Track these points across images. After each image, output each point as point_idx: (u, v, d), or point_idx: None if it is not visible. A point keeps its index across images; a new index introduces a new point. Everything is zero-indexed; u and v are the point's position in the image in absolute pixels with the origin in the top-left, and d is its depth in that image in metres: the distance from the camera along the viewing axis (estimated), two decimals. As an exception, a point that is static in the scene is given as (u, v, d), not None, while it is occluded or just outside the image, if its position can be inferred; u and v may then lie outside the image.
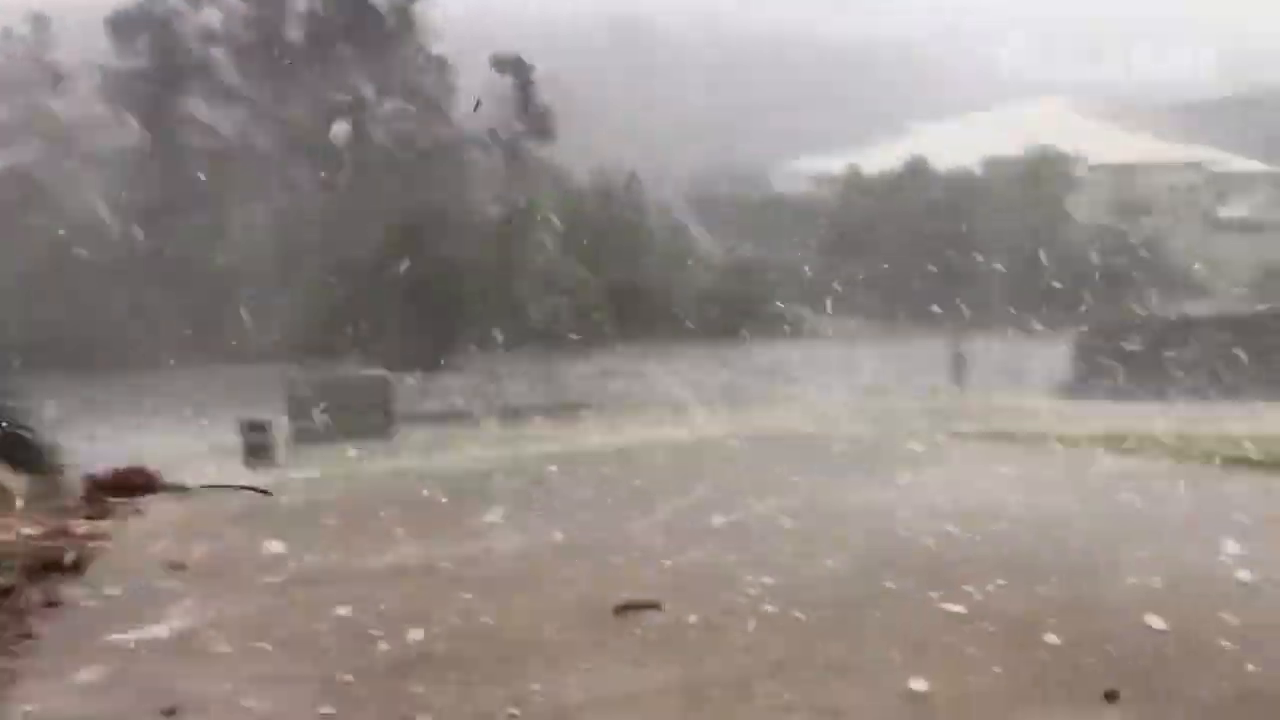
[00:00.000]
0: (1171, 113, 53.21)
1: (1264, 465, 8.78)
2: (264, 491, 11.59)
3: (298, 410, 22.23)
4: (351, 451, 18.98)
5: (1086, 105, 50.10)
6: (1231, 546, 5.84)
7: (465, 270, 32.92)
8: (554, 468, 9.58)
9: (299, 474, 10.77)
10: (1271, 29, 49.73)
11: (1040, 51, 50.00)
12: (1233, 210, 44.04)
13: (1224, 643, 4.64)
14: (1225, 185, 45.90)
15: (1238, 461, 9.01)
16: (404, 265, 31.48)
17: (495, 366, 29.75)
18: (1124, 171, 43.74)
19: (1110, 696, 4.19)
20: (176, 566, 6.01)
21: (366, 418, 22.54)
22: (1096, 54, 51.07)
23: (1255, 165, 46.51)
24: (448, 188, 35.96)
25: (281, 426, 21.93)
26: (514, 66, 39.04)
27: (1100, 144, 42.50)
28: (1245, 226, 41.55)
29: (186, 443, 24.28)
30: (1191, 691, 4.20)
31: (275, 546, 6.32)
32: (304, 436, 21.61)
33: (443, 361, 33.07)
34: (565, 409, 27.09)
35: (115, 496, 8.06)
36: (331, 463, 15.22)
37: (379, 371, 26.43)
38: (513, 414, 27.48)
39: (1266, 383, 21.30)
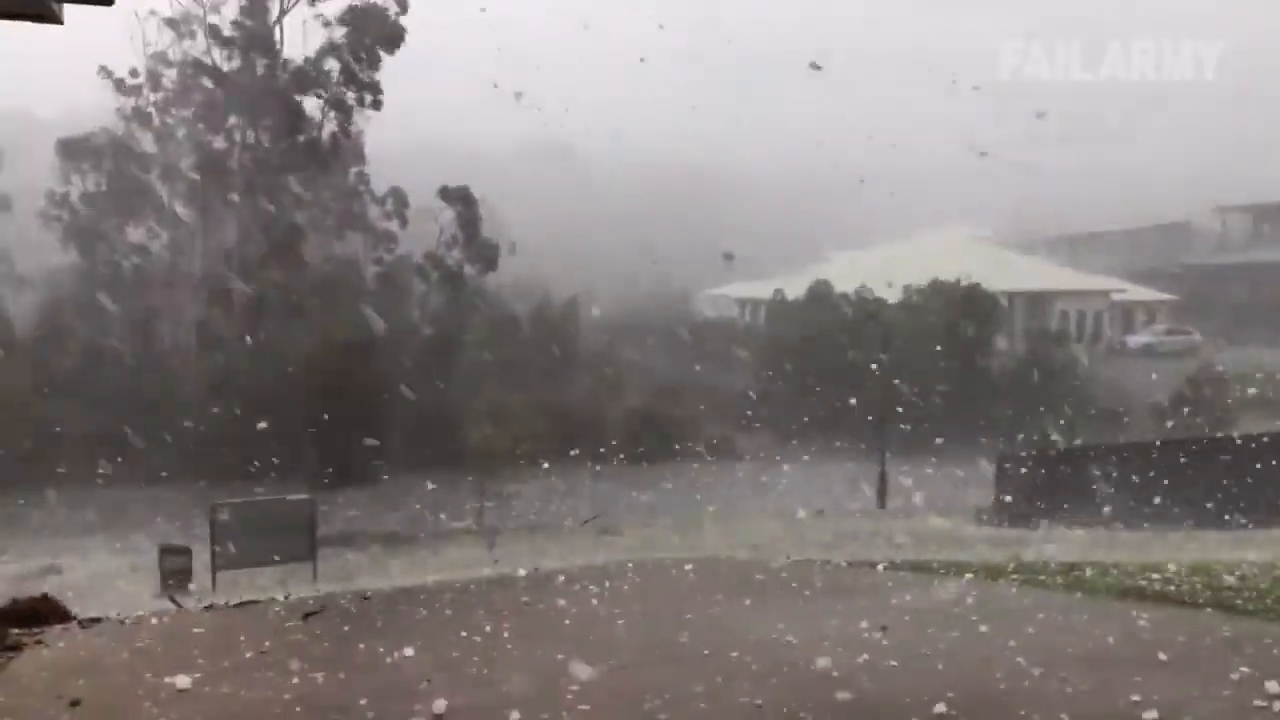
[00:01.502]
0: (1075, 242, 56.14)
1: (1174, 598, 8.87)
2: (177, 604, 11.40)
3: (218, 534, 21.84)
4: (272, 577, 18.67)
5: (999, 236, 52.60)
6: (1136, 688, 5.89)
7: (397, 392, 33.04)
8: (470, 595, 9.57)
9: (216, 600, 10.60)
10: (1153, 159, 53.04)
11: (959, 183, 52.54)
12: (1137, 337, 46.08)
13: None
14: (1128, 313, 48.16)
15: (1153, 594, 9.06)
16: (335, 387, 31.65)
17: (425, 487, 29.60)
18: (1035, 298, 45.62)
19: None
20: (73, 703, 5.96)
21: (289, 541, 22.22)
22: (1004, 190, 53.76)
23: (1153, 294, 49.00)
24: (383, 311, 36.37)
25: (201, 551, 21.56)
26: (461, 197, 40.13)
27: (1012, 273, 44.37)
28: (1148, 353, 43.35)
29: (103, 564, 23.69)
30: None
31: (182, 681, 6.28)
32: (224, 561, 21.21)
33: (373, 481, 32.90)
34: (491, 532, 27.03)
35: (16, 627, 7.90)
36: (250, 589, 14.98)
37: (302, 495, 26.13)
38: (439, 536, 27.36)
39: (1181, 510, 21.74)
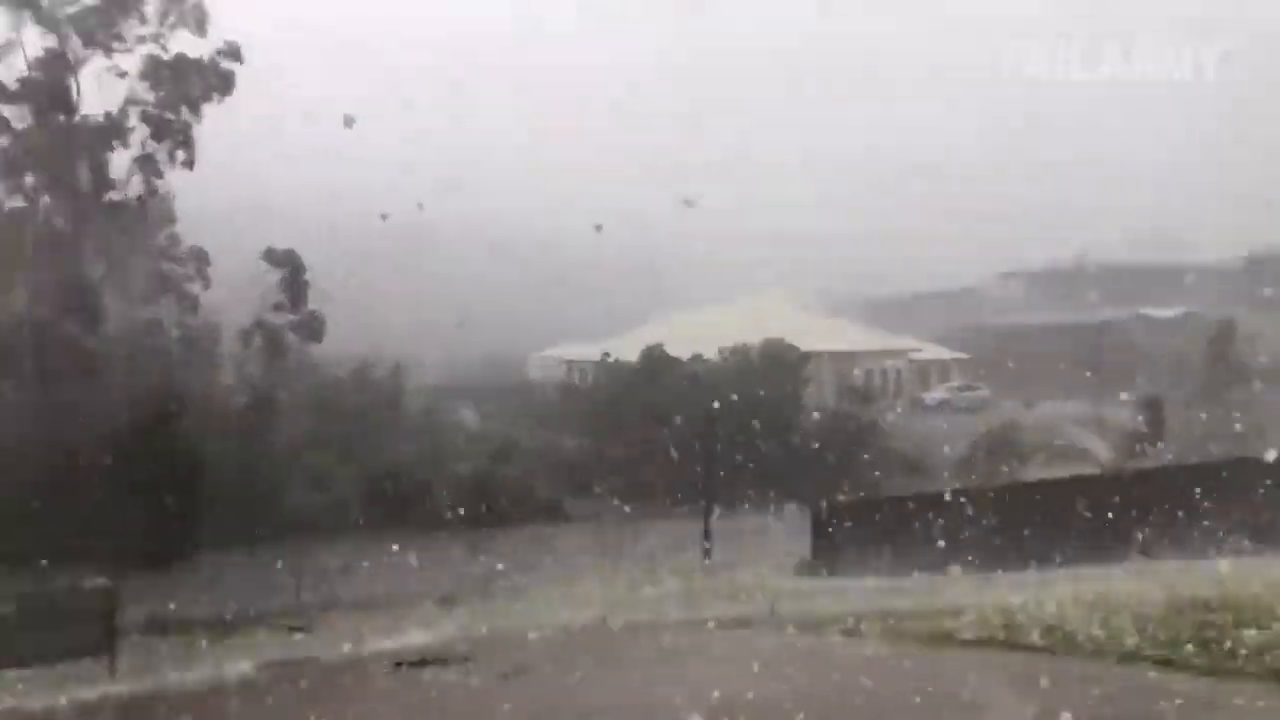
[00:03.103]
0: (877, 306, 59.86)
1: (978, 642, 9.50)
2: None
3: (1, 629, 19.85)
4: (62, 674, 17.28)
5: (808, 299, 55.41)
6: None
7: (208, 462, 31.57)
8: (287, 682, 9.36)
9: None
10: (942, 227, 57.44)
11: (764, 246, 55.21)
12: (933, 394, 49.33)
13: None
14: (925, 371, 51.53)
15: (959, 639, 9.62)
16: (141, 459, 29.97)
17: (241, 565, 28.31)
18: (843, 359, 48.20)
19: None
20: None
21: (83, 633, 20.37)
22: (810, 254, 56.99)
23: (945, 352, 52.69)
24: (193, 377, 34.82)
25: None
26: (286, 260, 38.96)
27: (820, 334, 46.78)
28: (945, 409, 46.50)
29: None
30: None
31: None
32: (7, 660, 19.19)
33: (184, 561, 31.16)
34: (311, 612, 26.05)
35: None
36: (31, 691, 14.01)
37: (99, 581, 24.28)
38: (254, 618, 26.17)
39: (985, 555, 23.26)
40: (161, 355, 37.09)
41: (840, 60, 65.59)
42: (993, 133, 60.07)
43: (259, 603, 27.40)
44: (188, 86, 38.43)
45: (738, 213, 54.86)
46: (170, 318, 39.52)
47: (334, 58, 50.70)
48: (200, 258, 39.54)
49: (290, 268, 39.12)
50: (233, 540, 30.84)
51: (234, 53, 38.74)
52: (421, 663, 9.54)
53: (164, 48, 38.87)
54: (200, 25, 38.84)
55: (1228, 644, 8.54)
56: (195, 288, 39.75)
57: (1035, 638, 9.43)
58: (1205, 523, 21.68)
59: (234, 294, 39.50)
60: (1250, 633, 8.89)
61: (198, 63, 38.57)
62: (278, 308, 39.24)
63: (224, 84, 38.79)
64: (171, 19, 38.93)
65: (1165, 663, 8.05)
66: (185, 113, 38.67)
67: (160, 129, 38.68)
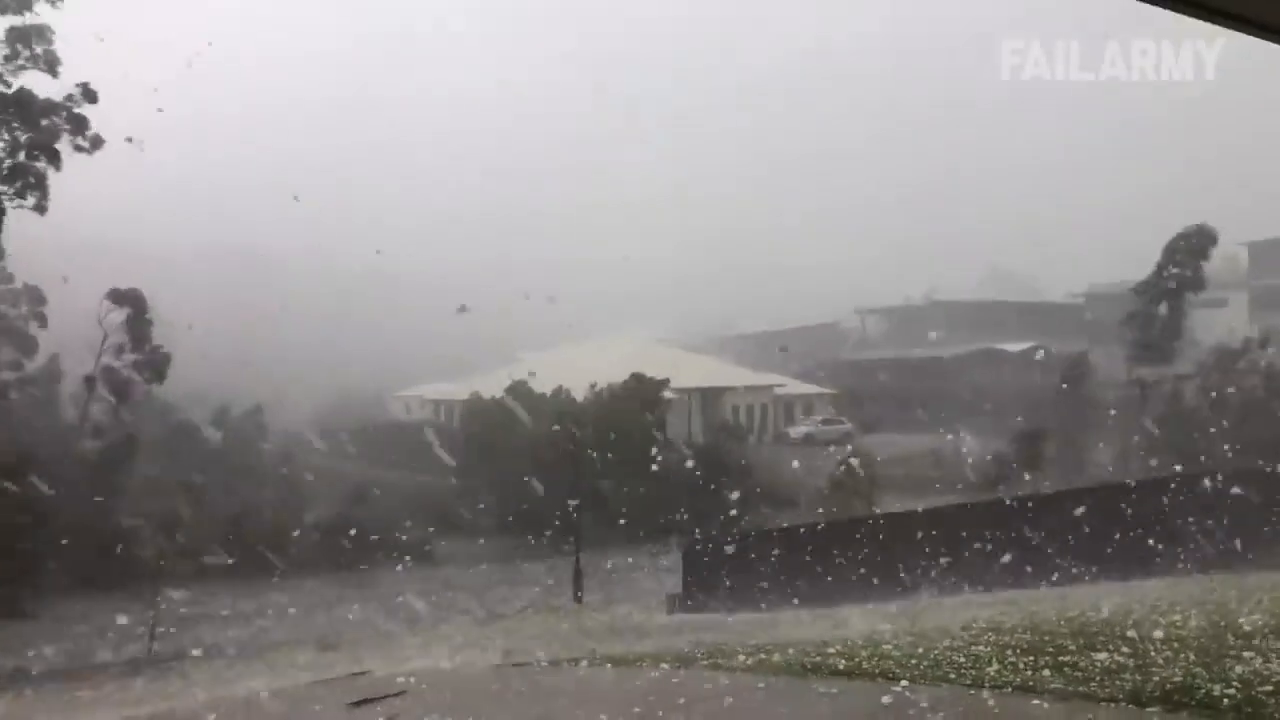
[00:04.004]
0: (739, 342, 61.27)
1: (846, 671, 9.72)
2: None
3: None
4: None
5: (673, 338, 56.25)
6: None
7: (55, 510, 29.78)
8: None
9: None
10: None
11: (636, 285, 55.97)
12: (798, 428, 50.54)
13: None
14: (789, 406, 52.80)
15: (829, 668, 9.83)
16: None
17: (87, 616, 26.75)
18: (708, 395, 48.96)
19: None
20: None
21: None
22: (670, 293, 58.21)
23: (809, 388, 54.16)
24: (35, 422, 32.86)
25: None
26: (131, 300, 37.25)
27: (686, 371, 47.40)
28: (808, 441, 47.66)
29: None
30: None
31: None
32: None
33: (26, 613, 29.25)
34: (162, 661, 24.85)
35: None
36: None
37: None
38: (102, 669, 24.78)
39: (845, 586, 23.90)
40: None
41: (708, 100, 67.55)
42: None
43: (106, 654, 25.96)
44: (39, 128, 36.59)
45: (598, 250, 55.58)
46: (4, 359, 37.33)
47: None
48: (34, 296, 37.58)
49: (133, 306, 37.47)
50: (79, 590, 29.23)
51: (89, 94, 37.18)
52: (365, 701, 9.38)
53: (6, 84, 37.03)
54: (52, 67, 37.24)
55: (1081, 668, 9.02)
56: (31, 328, 37.75)
57: (900, 667, 9.73)
58: (1058, 550, 22.85)
59: (82, 335, 37.66)
60: (1101, 656, 9.43)
61: (50, 104, 36.79)
62: (120, 349, 37.52)
63: (77, 126, 37.11)
64: (21, 60, 37.09)
65: (1026, 688, 8.45)
66: (48, 153, 36.77)
67: (13, 171, 36.68)
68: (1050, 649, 10.01)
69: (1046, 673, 8.87)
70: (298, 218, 42.96)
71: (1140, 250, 46.13)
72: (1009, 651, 9.97)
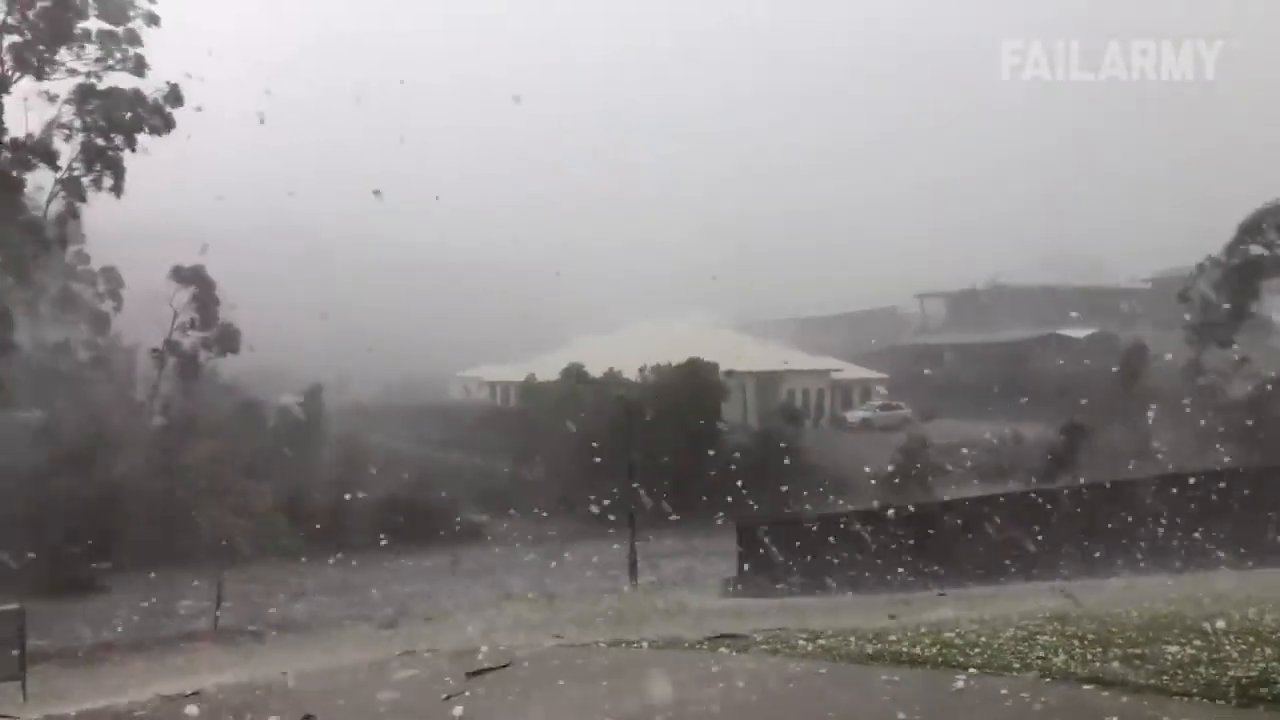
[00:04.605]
0: (795, 326, 60.82)
1: (909, 659, 9.58)
2: None
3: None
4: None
5: (729, 320, 56.00)
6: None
7: (126, 485, 30.61)
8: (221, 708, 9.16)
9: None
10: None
11: (690, 271, 55.79)
12: (855, 413, 50.12)
13: None
14: (846, 390, 52.37)
15: (891, 656, 9.71)
16: (50, 484, 28.86)
17: (158, 589, 27.44)
18: (765, 379, 48.73)
19: None
20: None
21: None
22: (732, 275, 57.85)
23: (866, 372, 53.63)
24: (109, 399, 33.74)
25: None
26: (196, 279, 38.11)
27: (743, 355, 47.22)
28: (866, 426, 47.24)
29: None
30: None
31: None
32: None
33: (100, 585, 30.10)
34: (227, 634, 25.43)
35: None
36: None
37: (9, 605, 23.49)
38: (171, 641, 25.41)
39: (907, 574, 23.56)
40: (74, 379, 35.87)
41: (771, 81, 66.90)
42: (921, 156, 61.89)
43: (175, 627, 26.66)
44: (121, 117, 37.66)
45: (659, 233, 55.49)
46: (80, 338, 38.40)
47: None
48: (111, 277, 38.63)
49: (198, 284, 38.32)
50: (149, 564, 29.98)
51: (175, 95, 38.20)
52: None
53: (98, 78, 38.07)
54: (139, 70, 38.36)
55: (1153, 661, 8.82)
56: (107, 307, 38.81)
57: (964, 655, 9.58)
58: (1122, 541, 22.35)
59: (144, 313, 38.67)
60: (1172, 649, 9.20)
61: (133, 96, 37.77)
62: (188, 326, 38.44)
63: (164, 123, 38.15)
64: (112, 60, 38.29)
65: (1095, 680, 8.28)
66: (119, 141, 37.85)
67: (92, 154, 37.80)
68: (1119, 640, 9.79)
69: (1116, 665, 8.69)
70: (366, 209, 43.49)
71: (1208, 234, 44.56)
72: (1075, 642, 9.77)
